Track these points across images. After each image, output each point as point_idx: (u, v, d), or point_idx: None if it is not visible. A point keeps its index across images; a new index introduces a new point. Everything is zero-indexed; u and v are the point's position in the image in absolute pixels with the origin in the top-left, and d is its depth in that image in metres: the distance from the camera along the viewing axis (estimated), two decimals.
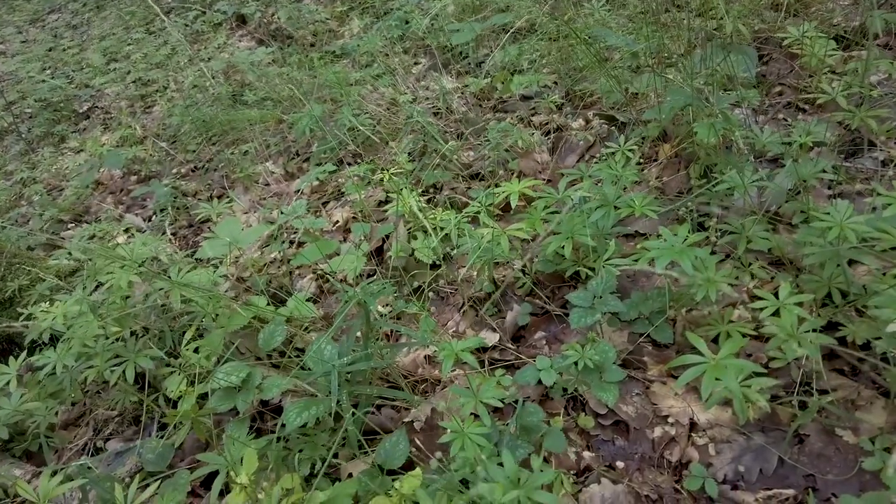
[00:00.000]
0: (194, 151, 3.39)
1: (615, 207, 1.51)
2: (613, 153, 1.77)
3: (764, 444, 1.28)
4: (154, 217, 2.92)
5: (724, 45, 2.36)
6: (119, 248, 1.68)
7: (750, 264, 1.53)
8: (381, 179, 2.07)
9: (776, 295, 1.35)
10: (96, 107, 4.90)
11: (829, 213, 1.22)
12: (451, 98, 2.72)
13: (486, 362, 1.55)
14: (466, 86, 2.74)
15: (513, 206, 1.62)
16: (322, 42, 4.29)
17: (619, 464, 1.32)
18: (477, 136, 2.51)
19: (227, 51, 5.18)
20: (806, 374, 1.36)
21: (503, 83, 2.86)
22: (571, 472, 1.30)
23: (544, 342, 1.59)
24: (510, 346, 1.60)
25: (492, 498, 0.96)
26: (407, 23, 4.07)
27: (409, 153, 2.44)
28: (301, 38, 4.66)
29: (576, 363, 1.28)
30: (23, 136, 4.31)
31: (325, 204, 2.55)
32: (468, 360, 1.18)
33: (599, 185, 1.62)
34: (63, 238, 3.06)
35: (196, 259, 2.12)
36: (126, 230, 2.90)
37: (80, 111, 4.76)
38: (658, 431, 1.37)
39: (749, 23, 2.61)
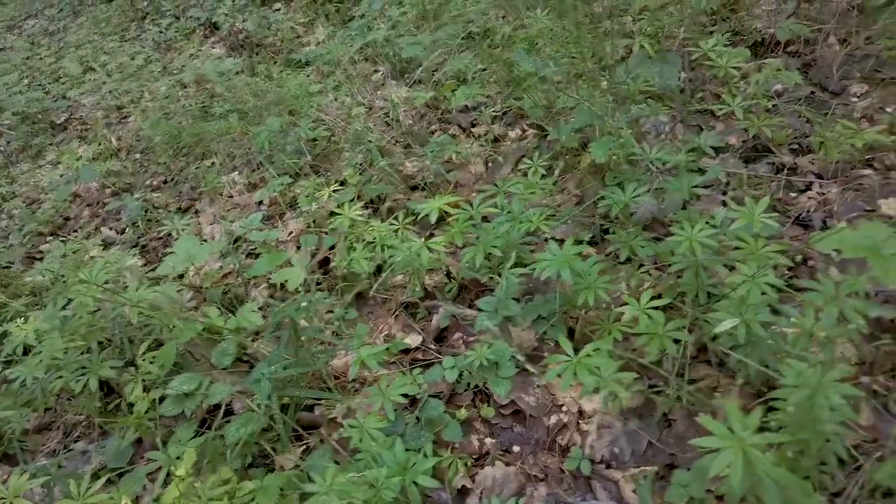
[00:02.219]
0: (165, 164, 3.56)
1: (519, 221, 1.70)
2: (528, 168, 1.96)
3: (636, 429, 1.48)
4: (127, 230, 3.10)
5: (649, 56, 2.54)
6: (82, 269, 1.86)
7: (640, 267, 1.73)
8: (326, 194, 2.25)
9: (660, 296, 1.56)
10: (73, 118, 5.04)
11: (682, 227, 1.41)
12: (399, 110, 2.89)
13: (408, 362, 1.75)
14: (413, 98, 2.91)
15: (432, 221, 1.81)
16: (289, 49, 4.43)
17: (516, 448, 1.52)
18: (422, 148, 2.69)
19: (200, 58, 5.32)
20: (681, 366, 1.57)
21: (452, 92, 3.03)
22: (473, 456, 1.50)
23: (461, 342, 1.78)
24: (432, 346, 1.80)
25: (380, 482, 1.16)
26: (369, 29, 4.21)
27: (358, 165, 2.61)
28: (270, 46, 4.79)
29: (472, 362, 1.48)
30: (1, 149, 4.46)
31: (282, 215, 2.73)
32: (371, 363, 1.38)
33: (510, 200, 1.80)
34: (42, 252, 3.23)
35: (159, 275, 2.31)
36: (101, 243, 3.08)
37: (58, 122, 4.91)
38: (553, 419, 1.57)
39: (675, 32, 2.77)
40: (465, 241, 1.87)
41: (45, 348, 1.75)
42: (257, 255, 2.48)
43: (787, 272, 1.70)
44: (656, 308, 1.40)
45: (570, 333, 1.71)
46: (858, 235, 1.38)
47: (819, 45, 2.53)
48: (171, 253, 2.33)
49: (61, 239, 3.15)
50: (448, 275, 1.98)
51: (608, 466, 1.44)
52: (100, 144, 4.39)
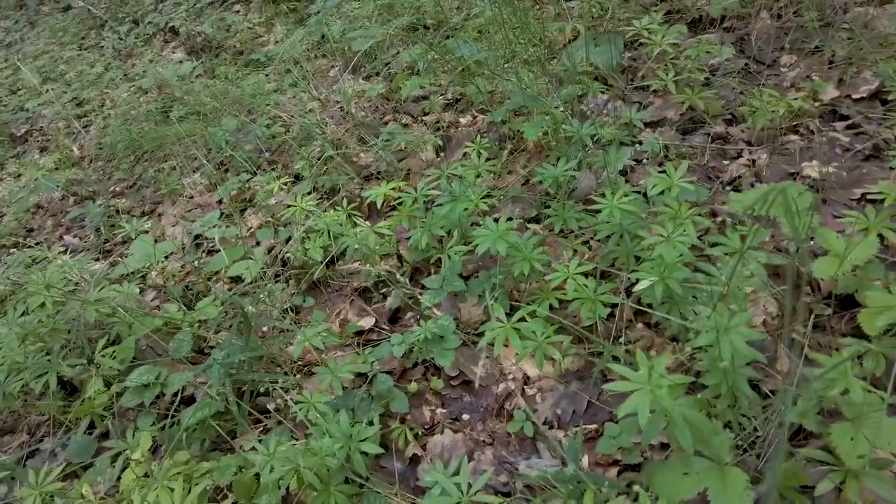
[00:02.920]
0: (127, 170, 3.57)
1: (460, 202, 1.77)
2: (471, 151, 2.02)
3: (577, 391, 1.56)
4: (90, 236, 3.11)
5: (593, 38, 2.62)
6: (36, 272, 1.89)
7: (578, 238, 1.80)
8: (279, 188, 2.30)
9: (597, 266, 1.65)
10: (33, 129, 5.00)
11: (604, 196, 1.48)
12: (353, 103, 2.93)
13: (362, 343, 1.81)
14: (365, 91, 2.95)
15: (378, 206, 1.87)
16: (249, 50, 4.44)
17: (465, 416, 1.59)
18: (375, 138, 2.74)
19: (161, 63, 5.29)
20: (617, 329, 1.65)
21: (405, 83, 3.08)
22: (424, 426, 1.57)
23: (413, 321, 1.85)
24: (385, 327, 1.86)
25: (328, 449, 1.22)
26: (326, 25, 4.23)
27: (311, 158, 2.65)
28: (230, 48, 4.79)
29: (419, 337, 1.55)
30: None
31: (243, 211, 2.77)
32: (316, 343, 1.44)
33: (453, 182, 1.87)
34: (5, 264, 3.23)
35: (121, 275, 2.34)
36: (64, 251, 3.10)
37: (18, 135, 4.87)
38: (501, 387, 1.64)
39: (619, 13, 2.85)
40: (413, 224, 1.93)
41: (2, 352, 1.78)
42: (218, 252, 2.52)
43: (717, 234, 1.78)
44: (585, 274, 1.47)
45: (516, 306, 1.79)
46: (770, 194, 1.47)
47: (752, 20, 2.63)
48: (129, 255, 2.36)
49: (22, 248, 3.15)
50: (400, 258, 2.04)
51: (552, 427, 1.52)
52: (61, 154, 4.37)
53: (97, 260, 2.77)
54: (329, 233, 1.88)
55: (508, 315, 1.71)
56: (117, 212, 3.19)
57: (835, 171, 1.88)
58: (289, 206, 2.28)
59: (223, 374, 1.46)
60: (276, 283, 2.17)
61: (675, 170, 1.51)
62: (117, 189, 3.54)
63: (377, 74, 3.44)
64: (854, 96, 2.13)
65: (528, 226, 2.00)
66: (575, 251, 1.73)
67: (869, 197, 1.77)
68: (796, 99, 2.03)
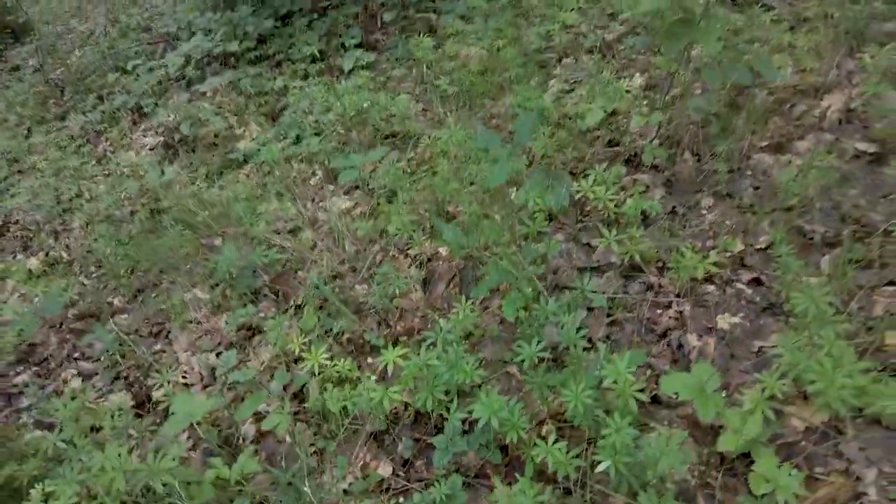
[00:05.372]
0: (125, 285, 3.83)
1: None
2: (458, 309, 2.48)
3: None
4: (103, 359, 3.37)
5: (544, 174, 3.10)
6: (108, 450, 2.22)
7: (553, 401, 2.29)
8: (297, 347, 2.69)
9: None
10: (9, 222, 5.11)
11: (570, 390, 1.97)
12: (345, 240, 3.32)
13: (383, 490, 2.25)
14: (357, 228, 3.33)
15: (389, 372, 2.31)
16: (225, 151, 4.72)
17: None
18: (368, 271, 3.16)
19: (133, 147, 5.49)
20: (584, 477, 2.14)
21: (391, 219, 3.47)
22: None
23: (423, 467, 2.30)
24: (401, 473, 2.30)
25: None
26: (300, 128, 4.59)
27: (313, 296, 3.04)
28: (203, 138, 5.05)
29: (434, 498, 2.00)
30: None
31: (250, 339, 3.13)
32: None
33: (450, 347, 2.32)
34: (16, 385, 3.46)
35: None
36: (77, 375, 3.37)
37: None
38: None
39: (565, 151, 3.35)
40: (418, 376, 2.37)
41: None
42: (234, 386, 2.88)
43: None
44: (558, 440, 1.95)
45: (505, 449, 2.26)
46: (690, 378, 2.00)
47: (677, 161, 3.19)
48: (163, 400, 2.70)
49: (34, 363, 3.39)
50: (406, 405, 2.48)
51: None
52: (47, 255, 4.55)
53: (121, 391, 3.06)
54: (348, 392, 2.29)
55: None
56: (124, 332, 3.46)
57: (740, 322, 2.44)
58: (300, 357, 2.67)
59: None
60: (296, 423, 2.56)
61: (621, 360, 2.01)
62: (116, 303, 3.80)
63: (356, 188, 3.85)
64: (756, 246, 2.70)
65: (507, 369, 2.47)
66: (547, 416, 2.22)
67: (764, 349, 2.33)
68: (710, 254, 2.58)
